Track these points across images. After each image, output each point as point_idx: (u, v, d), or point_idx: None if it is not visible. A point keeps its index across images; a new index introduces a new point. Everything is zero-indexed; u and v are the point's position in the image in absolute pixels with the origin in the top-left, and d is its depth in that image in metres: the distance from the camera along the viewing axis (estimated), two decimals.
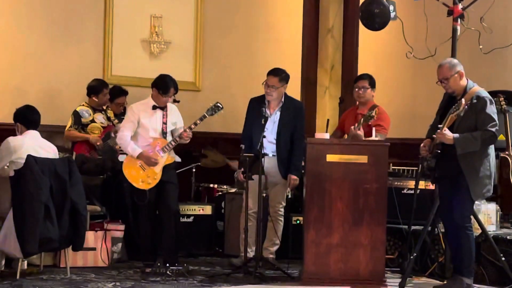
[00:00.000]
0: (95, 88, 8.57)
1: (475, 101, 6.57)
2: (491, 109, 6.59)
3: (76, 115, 8.44)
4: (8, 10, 8.84)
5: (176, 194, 7.69)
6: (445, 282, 6.90)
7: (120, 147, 8.12)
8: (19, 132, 7.14)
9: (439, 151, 6.68)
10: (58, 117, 8.81)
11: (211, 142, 9.34)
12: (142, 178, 7.57)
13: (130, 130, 7.66)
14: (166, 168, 7.62)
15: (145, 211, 7.68)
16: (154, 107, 7.67)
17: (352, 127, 7.45)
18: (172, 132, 7.73)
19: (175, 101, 8.66)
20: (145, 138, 7.63)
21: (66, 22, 9.13)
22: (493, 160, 6.70)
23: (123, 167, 7.62)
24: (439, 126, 6.62)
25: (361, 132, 7.37)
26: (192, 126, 7.61)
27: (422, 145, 6.85)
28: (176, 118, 7.75)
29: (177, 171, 8.76)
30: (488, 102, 6.59)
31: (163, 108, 7.68)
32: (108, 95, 8.61)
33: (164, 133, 7.65)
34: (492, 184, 6.69)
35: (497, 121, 6.59)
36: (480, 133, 6.50)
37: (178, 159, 8.05)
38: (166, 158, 7.62)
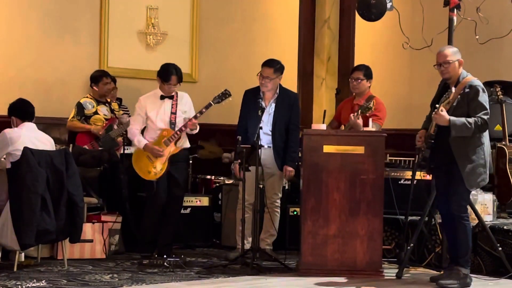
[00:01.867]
0: (95, 77, 8.60)
1: (467, 90, 6.61)
2: (483, 98, 6.61)
3: (79, 106, 8.45)
4: (3, 1, 8.81)
5: (182, 186, 7.75)
6: (442, 273, 6.91)
7: (122, 140, 8.33)
8: (15, 126, 7.13)
9: (432, 141, 6.70)
10: (54, 109, 8.81)
11: (208, 133, 9.34)
12: (149, 169, 7.59)
13: (139, 123, 7.69)
14: (174, 159, 7.60)
15: (151, 203, 7.69)
16: (162, 97, 7.62)
17: (352, 115, 7.45)
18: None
19: None
20: (154, 130, 7.63)
21: (62, 14, 9.11)
22: (487, 149, 6.70)
23: (132, 161, 7.67)
24: (436, 106, 6.63)
25: (360, 121, 7.38)
26: (198, 115, 7.56)
27: (417, 135, 6.87)
28: (186, 107, 7.68)
29: None
30: (481, 91, 6.61)
31: (172, 97, 7.63)
32: (109, 84, 8.62)
33: (172, 124, 7.58)
34: (488, 173, 6.69)
35: (489, 110, 6.61)
36: (474, 120, 6.53)
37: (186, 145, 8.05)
38: (173, 148, 7.58)
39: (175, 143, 7.59)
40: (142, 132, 7.74)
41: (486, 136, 6.69)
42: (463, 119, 6.53)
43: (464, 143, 6.58)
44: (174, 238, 7.76)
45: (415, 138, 6.89)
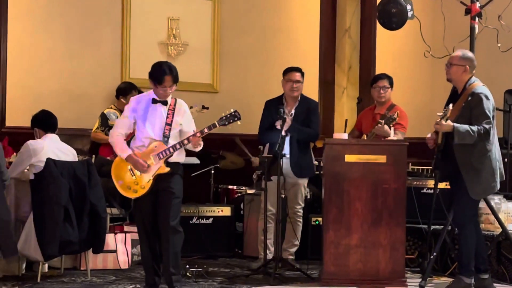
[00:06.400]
0: (124, 89, 8.63)
1: (470, 98, 6.59)
2: (486, 106, 6.56)
3: (103, 117, 8.48)
4: (26, 14, 8.89)
5: (175, 204, 6.44)
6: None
7: None
8: (38, 137, 7.18)
9: (440, 152, 6.69)
10: (76, 120, 8.86)
11: (229, 143, 9.35)
12: (129, 185, 6.47)
13: (124, 127, 6.58)
14: (165, 175, 6.45)
15: (139, 226, 6.63)
16: (154, 101, 6.51)
17: (378, 123, 7.44)
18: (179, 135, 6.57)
19: (204, 107, 8.67)
20: (140, 138, 6.50)
21: (84, 26, 9.17)
22: (496, 156, 6.64)
23: (111, 168, 6.58)
24: (438, 114, 6.61)
25: (387, 128, 7.36)
26: (198, 135, 6.42)
27: (427, 137, 6.85)
28: (184, 119, 6.56)
29: (196, 173, 8.82)
30: (484, 99, 6.56)
31: (166, 103, 6.52)
32: None
33: (165, 137, 6.44)
34: (498, 181, 6.64)
35: (491, 118, 6.56)
36: (477, 128, 6.50)
37: (196, 160, 8.02)
38: (160, 166, 6.43)
39: (165, 161, 6.47)
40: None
41: (494, 144, 6.64)
42: (466, 126, 6.50)
43: (468, 151, 6.54)
44: (177, 267, 6.56)
45: (437, 146, 6.88)
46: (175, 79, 6.49)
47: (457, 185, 6.64)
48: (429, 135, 6.87)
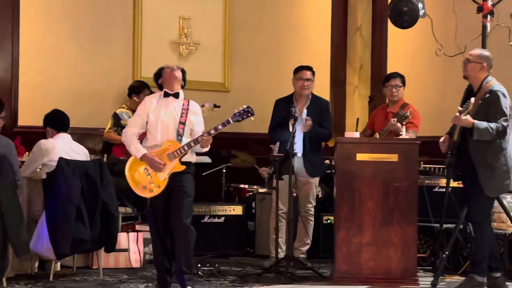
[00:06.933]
0: (137, 88, 8.62)
1: (488, 95, 6.59)
2: (504, 103, 6.57)
3: (116, 117, 8.48)
4: (38, 14, 8.92)
5: (187, 203, 6.45)
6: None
7: None
8: (50, 136, 7.20)
9: (456, 148, 6.68)
10: (88, 119, 8.89)
11: (241, 142, 9.35)
12: (145, 184, 6.47)
13: (137, 126, 6.59)
14: (177, 174, 6.46)
15: (152, 225, 6.64)
16: (166, 94, 6.57)
17: (392, 120, 7.44)
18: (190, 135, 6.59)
19: (215, 106, 8.68)
20: (154, 137, 6.53)
21: (95, 25, 9.19)
22: (510, 154, 6.62)
23: (126, 169, 6.55)
24: (459, 108, 6.60)
25: (399, 125, 7.36)
26: (212, 132, 6.43)
27: (441, 140, 6.84)
28: (196, 119, 6.61)
29: (207, 172, 8.82)
30: (501, 96, 6.57)
31: (177, 95, 6.57)
32: None
33: (179, 135, 6.47)
34: None
35: (508, 116, 6.56)
36: (496, 126, 6.51)
37: (208, 160, 8.01)
38: (175, 164, 6.46)
39: (180, 160, 6.49)
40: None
41: (509, 142, 6.63)
42: (485, 123, 6.51)
43: (483, 148, 6.54)
44: (189, 266, 6.54)
45: (452, 142, 6.86)
46: (177, 67, 6.63)
47: (472, 183, 6.62)
48: (442, 139, 6.84)
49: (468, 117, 6.52)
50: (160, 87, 6.67)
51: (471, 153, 6.57)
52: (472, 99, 6.54)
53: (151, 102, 6.59)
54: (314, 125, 7.73)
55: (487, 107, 6.57)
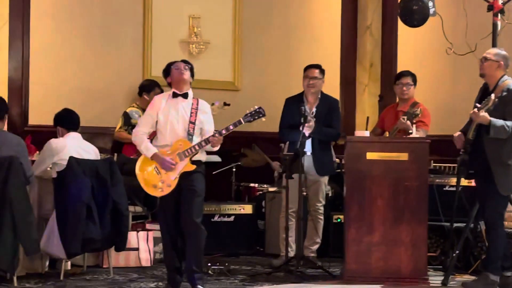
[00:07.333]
0: (147, 86, 8.64)
1: (505, 93, 6.62)
2: None
3: (126, 116, 8.49)
4: (48, 13, 8.93)
5: (197, 202, 6.44)
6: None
7: None
8: (60, 135, 7.22)
9: (470, 146, 6.66)
10: (98, 118, 8.90)
11: (251, 141, 9.35)
12: (155, 183, 6.47)
13: (147, 125, 6.59)
14: (187, 173, 6.46)
15: (162, 224, 6.67)
16: (174, 95, 6.56)
17: (402, 118, 7.43)
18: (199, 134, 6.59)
19: (225, 104, 8.68)
20: (164, 137, 6.54)
21: (105, 24, 9.20)
22: None
23: (136, 168, 6.56)
24: (477, 105, 6.58)
25: (409, 123, 7.34)
26: (223, 132, 6.45)
27: (455, 136, 6.83)
28: (205, 117, 6.61)
29: (217, 171, 8.83)
30: None
31: (186, 96, 6.56)
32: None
33: (190, 135, 6.47)
34: None
35: None
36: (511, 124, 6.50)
37: (218, 158, 8.01)
38: (186, 164, 6.46)
39: (190, 159, 6.49)
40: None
41: None
42: (502, 121, 6.53)
43: (499, 146, 6.55)
44: (199, 265, 6.55)
45: (466, 139, 6.84)
46: (188, 64, 6.61)
47: (486, 182, 6.62)
48: (456, 134, 6.83)
49: (486, 114, 6.52)
50: (170, 84, 6.69)
51: (486, 151, 6.58)
52: (493, 95, 6.53)
53: (160, 102, 6.59)
54: (319, 126, 7.72)
55: (504, 106, 6.58)
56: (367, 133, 7.42)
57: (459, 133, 6.87)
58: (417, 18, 8.06)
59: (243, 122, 6.55)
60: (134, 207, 7.89)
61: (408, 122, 7.37)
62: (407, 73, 7.98)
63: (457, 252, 7.06)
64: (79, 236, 6.80)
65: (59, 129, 7.25)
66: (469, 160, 6.72)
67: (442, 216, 7.67)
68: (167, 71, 6.72)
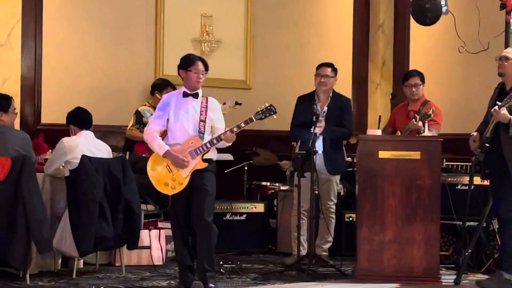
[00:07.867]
0: (160, 85, 8.64)
1: None
2: None
3: (138, 115, 8.50)
4: (61, 12, 8.95)
5: (208, 201, 6.45)
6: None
7: None
8: (73, 134, 7.24)
9: (487, 144, 6.64)
10: (111, 117, 8.92)
11: (263, 140, 9.35)
12: (167, 181, 6.48)
13: (158, 123, 6.59)
14: (198, 171, 6.46)
15: (174, 223, 6.65)
16: (185, 94, 6.55)
17: (414, 119, 7.42)
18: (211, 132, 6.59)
19: (237, 103, 8.69)
20: (175, 136, 6.55)
21: (118, 23, 9.22)
22: None
23: (148, 166, 6.58)
24: (498, 103, 6.56)
25: (420, 124, 7.33)
26: (235, 129, 6.44)
27: (471, 138, 6.81)
28: (215, 115, 6.60)
29: (229, 170, 8.84)
30: None
31: (197, 95, 6.54)
32: None
33: (201, 133, 6.48)
34: None
35: None
36: None
37: (230, 157, 8.00)
38: (198, 162, 6.46)
39: (202, 157, 6.50)
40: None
41: None
42: None
43: None
44: (211, 263, 6.54)
45: (482, 137, 6.81)
46: (206, 67, 6.55)
47: (503, 180, 6.60)
48: (473, 138, 6.79)
49: (506, 112, 6.51)
50: (183, 67, 6.59)
51: (503, 150, 6.55)
52: None
53: (170, 101, 6.59)
54: (330, 125, 7.71)
55: None
56: (379, 132, 7.41)
57: (476, 133, 6.84)
58: (429, 16, 8.04)
59: (254, 120, 6.56)
60: (146, 206, 7.90)
61: (420, 123, 7.36)
62: (414, 73, 7.96)
63: (470, 251, 7.04)
64: (92, 234, 6.82)
65: (72, 127, 7.27)
66: (486, 159, 6.69)
67: (455, 215, 7.64)
68: (187, 62, 6.57)
